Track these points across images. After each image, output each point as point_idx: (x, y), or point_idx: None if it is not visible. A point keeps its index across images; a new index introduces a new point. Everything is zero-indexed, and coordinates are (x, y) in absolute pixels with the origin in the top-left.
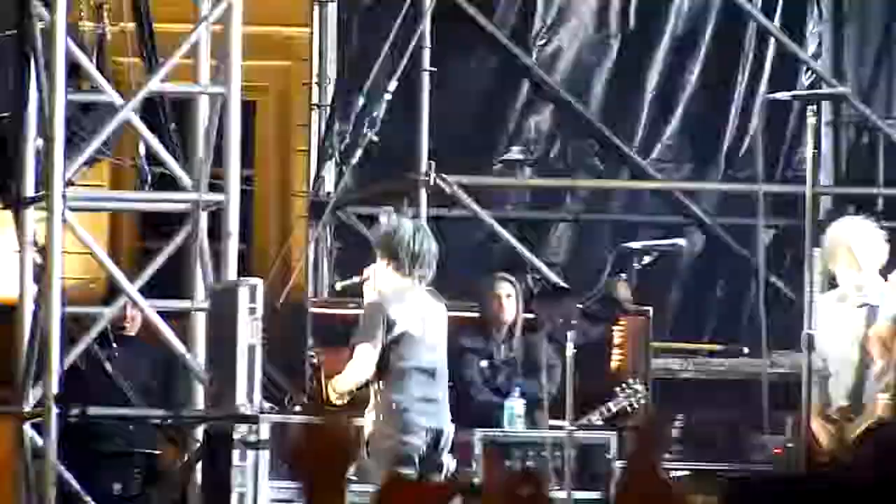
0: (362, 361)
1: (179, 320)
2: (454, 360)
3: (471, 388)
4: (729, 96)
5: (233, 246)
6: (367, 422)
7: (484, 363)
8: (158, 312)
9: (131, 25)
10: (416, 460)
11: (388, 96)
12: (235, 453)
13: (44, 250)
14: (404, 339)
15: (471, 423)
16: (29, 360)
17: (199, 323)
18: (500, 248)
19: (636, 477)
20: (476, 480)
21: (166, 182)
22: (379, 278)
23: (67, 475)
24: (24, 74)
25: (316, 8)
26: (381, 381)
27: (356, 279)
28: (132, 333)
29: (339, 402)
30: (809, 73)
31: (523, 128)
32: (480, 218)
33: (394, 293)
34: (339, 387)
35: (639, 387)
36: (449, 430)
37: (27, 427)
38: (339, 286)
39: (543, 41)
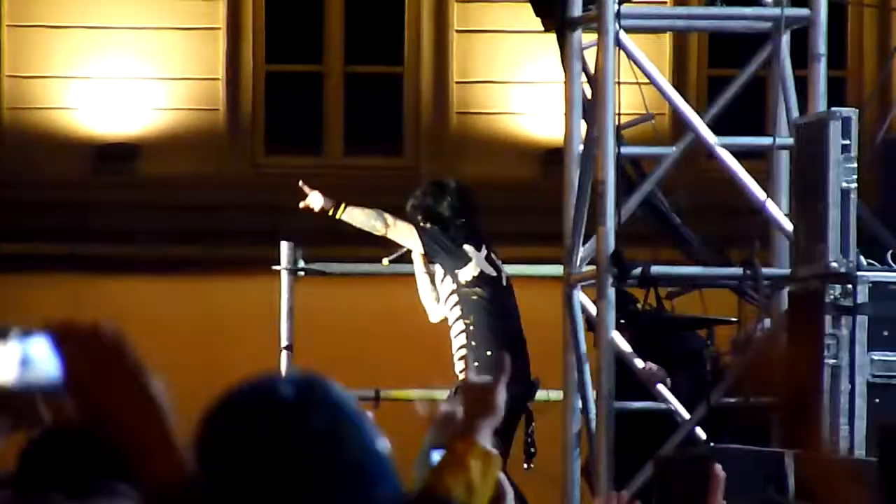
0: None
1: (759, 161)
2: None
3: None
4: None
5: (822, 71)
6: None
7: None
8: (732, 153)
9: None
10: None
11: None
12: (827, 319)
13: (595, 80)
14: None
15: None
16: (578, 213)
17: (782, 164)
18: None
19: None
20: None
21: None
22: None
23: (625, 347)
24: None
25: None
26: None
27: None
28: None
29: None
30: None
31: None
32: None
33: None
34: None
35: None
36: None
37: (577, 292)
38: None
39: None
